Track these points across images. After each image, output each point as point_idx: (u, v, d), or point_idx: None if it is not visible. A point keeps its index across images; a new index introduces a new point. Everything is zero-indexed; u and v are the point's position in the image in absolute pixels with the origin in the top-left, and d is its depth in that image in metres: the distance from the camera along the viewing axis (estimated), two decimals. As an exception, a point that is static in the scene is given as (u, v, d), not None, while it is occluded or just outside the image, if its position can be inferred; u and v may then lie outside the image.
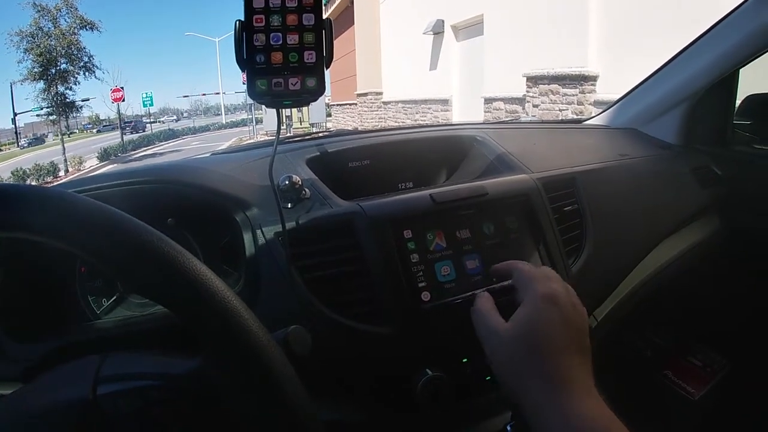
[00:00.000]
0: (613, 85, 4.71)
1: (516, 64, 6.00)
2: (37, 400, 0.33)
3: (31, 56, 15.78)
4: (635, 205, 0.78)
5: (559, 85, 5.41)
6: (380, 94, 11.86)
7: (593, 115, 1.14)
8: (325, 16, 0.47)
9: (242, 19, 0.45)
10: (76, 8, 16.55)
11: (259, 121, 18.33)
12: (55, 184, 1.82)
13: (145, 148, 21.30)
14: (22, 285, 0.52)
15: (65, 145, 15.57)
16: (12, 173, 13.40)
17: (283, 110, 0.50)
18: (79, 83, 17.01)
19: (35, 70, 15.87)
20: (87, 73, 17.05)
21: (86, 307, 0.55)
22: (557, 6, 5.30)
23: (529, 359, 0.40)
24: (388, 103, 11.37)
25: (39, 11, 15.95)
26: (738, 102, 1.01)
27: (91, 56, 17.11)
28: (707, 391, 0.96)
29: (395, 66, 10.82)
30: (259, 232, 0.55)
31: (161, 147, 21.83)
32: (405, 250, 0.54)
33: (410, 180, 0.76)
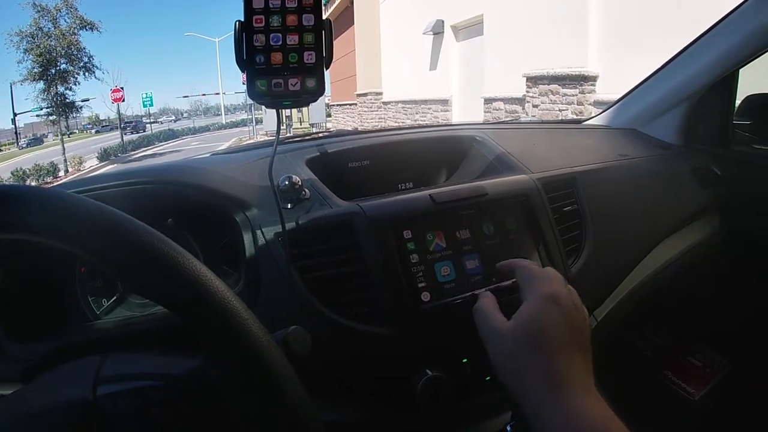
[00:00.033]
0: (612, 86, 4.71)
1: (516, 65, 6.00)
2: (37, 400, 0.33)
3: (31, 56, 15.79)
4: (635, 205, 0.78)
5: (558, 85, 5.41)
6: (380, 94, 11.86)
7: (593, 115, 1.14)
8: (324, 17, 0.47)
9: (242, 19, 0.45)
10: (76, 8, 16.59)
11: (258, 122, 18.35)
12: (55, 184, 1.82)
13: (144, 149, 21.31)
14: (22, 285, 0.52)
15: (65, 145, 15.56)
16: (12, 173, 13.40)
17: (283, 110, 0.50)
18: (79, 83, 17.05)
19: (35, 70, 15.88)
20: (87, 74, 17.08)
21: (86, 308, 0.55)
22: (557, 6, 5.30)
23: (531, 358, 0.40)
24: (388, 103, 11.37)
25: (39, 11, 15.98)
26: (738, 102, 1.01)
27: (91, 56, 17.14)
28: (707, 391, 0.96)
29: (395, 66, 10.82)
30: (258, 232, 0.55)
31: (161, 147, 21.84)
32: (405, 251, 0.54)
33: (410, 180, 0.76)
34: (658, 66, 0.99)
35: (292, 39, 0.46)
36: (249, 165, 0.66)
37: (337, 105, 16.57)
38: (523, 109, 6.09)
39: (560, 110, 5.41)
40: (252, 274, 0.54)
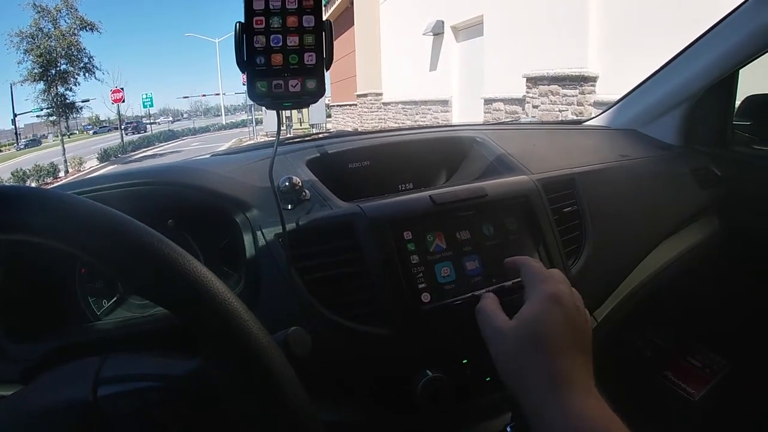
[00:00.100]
0: (612, 86, 4.71)
1: (516, 65, 6.01)
2: (37, 400, 0.33)
3: (31, 57, 15.77)
4: (635, 205, 0.78)
5: (558, 85, 5.42)
6: (380, 95, 11.86)
7: (593, 115, 1.14)
8: (324, 18, 0.47)
9: (242, 20, 0.45)
10: (76, 9, 16.56)
11: (259, 122, 18.34)
12: (55, 185, 1.83)
13: (145, 149, 21.30)
14: (22, 285, 0.52)
15: (65, 145, 15.56)
16: (12, 174, 13.40)
17: (283, 111, 0.50)
18: (79, 84, 17.01)
19: (35, 71, 15.86)
20: (87, 74, 17.04)
21: (86, 308, 0.55)
22: (557, 6, 5.30)
23: (533, 357, 0.40)
24: (388, 104, 11.38)
25: (39, 12, 15.95)
26: (738, 103, 1.01)
27: (91, 57, 17.11)
28: (707, 392, 0.96)
29: (395, 67, 10.83)
30: (259, 233, 0.55)
31: (161, 148, 21.83)
32: (405, 252, 0.54)
33: (410, 181, 0.76)
34: (658, 66, 0.99)
35: (293, 40, 0.46)
36: (249, 166, 0.66)
37: (337, 106, 16.58)
38: (523, 109, 6.09)
39: (560, 111, 5.42)
40: (252, 275, 0.54)
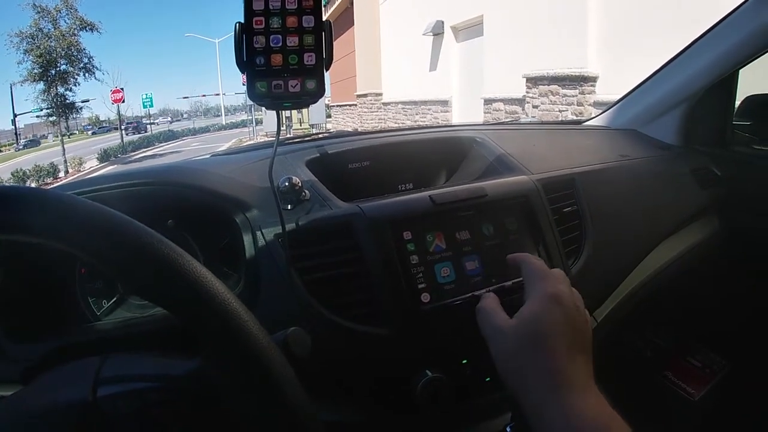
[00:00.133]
0: (612, 86, 4.71)
1: (516, 65, 6.01)
2: (37, 400, 0.33)
3: (31, 57, 15.77)
4: (635, 205, 0.78)
5: (558, 85, 5.42)
6: (380, 95, 11.86)
7: (593, 116, 1.14)
8: (324, 18, 0.47)
9: (242, 21, 0.45)
10: (76, 9, 16.56)
11: (258, 123, 18.35)
12: (55, 185, 1.83)
13: (145, 150, 21.30)
14: (22, 285, 0.52)
15: (65, 146, 15.56)
16: (12, 174, 13.40)
17: (283, 112, 0.50)
18: (79, 84, 17.03)
19: (35, 71, 15.86)
20: (87, 74, 17.05)
21: (86, 309, 0.55)
22: (557, 6, 5.31)
23: (533, 356, 0.40)
24: (388, 104, 11.38)
25: (39, 12, 15.95)
26: (737, 103, 1.01)
27: (91, 57, 17.11)
28: (707, 392, 0.96)
29: (395, 67, 10.83)
30: (258, 233, 0.55)
31: (161, 148, 21.83)
32: (405, 252, 0.54)
33: (410, 181, 0.76)
34: (658, 66, 0.99)
35: (292, 40, 0.46)
36: (249, 166, 0.66)
37: (337, 106, 16.58)
38: (523, 109, 6.09)
39: (560, 111, 5.42)
40: (252, 275, 0.54)
